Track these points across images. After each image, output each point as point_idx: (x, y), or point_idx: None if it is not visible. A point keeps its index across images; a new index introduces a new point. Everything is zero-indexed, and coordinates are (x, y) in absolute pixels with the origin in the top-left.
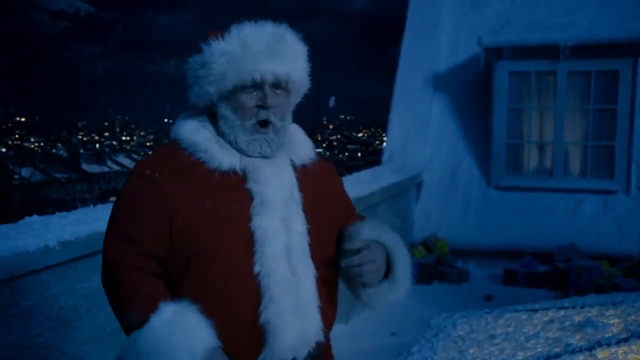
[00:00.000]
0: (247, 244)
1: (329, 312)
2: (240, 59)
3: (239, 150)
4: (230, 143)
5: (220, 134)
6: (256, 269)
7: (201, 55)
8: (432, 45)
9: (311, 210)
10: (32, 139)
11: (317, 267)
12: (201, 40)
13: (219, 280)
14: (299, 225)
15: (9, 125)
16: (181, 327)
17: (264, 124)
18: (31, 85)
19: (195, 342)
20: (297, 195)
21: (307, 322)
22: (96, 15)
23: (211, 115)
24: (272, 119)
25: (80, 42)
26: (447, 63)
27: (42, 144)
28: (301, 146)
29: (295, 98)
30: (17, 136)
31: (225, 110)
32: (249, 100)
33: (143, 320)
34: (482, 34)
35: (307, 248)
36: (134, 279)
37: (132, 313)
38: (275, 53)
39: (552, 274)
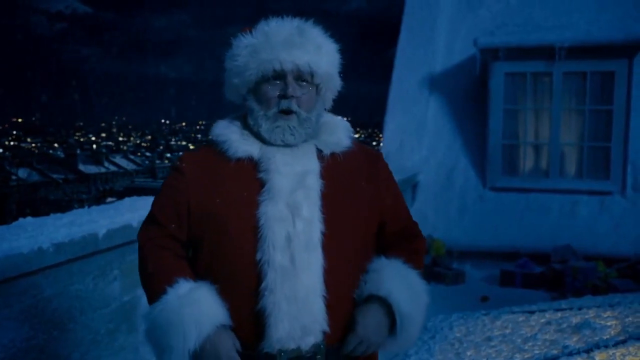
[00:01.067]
0: (253, 230)
1: (338, 304)
2: (261, 49)
3: (263, 140)
4: (256, 134)
5: (248, 127)
6: (258, 256)
7: (231, 50)
8: (428, 46)
9: (332, 199)
10: (29, 140)
11: (328, 257)
12: (233, 36)
13: (226, 265)
14: (308, 212)
15: (6, 126)
16: (193, 302)
17: (287, 112)
18: (28, 86)
19: (204, 317)
20: (312, 182)
21: (305, 312)
22: (94, 16)
23: (246, 112)
24: (295, 108)
25: (78, 44)
26: (443, 64)
27: (39, 145)
28: (333, 134)
29: (327, 93)
30: (14, 137)
31: (251, 103)
32: (272, 90)
33: (161, 293)
34: (478, 35)
35: (315, 236)
36: (159, 256)
37: (154, 287)
38: (295, 44)
39: (548, 275)
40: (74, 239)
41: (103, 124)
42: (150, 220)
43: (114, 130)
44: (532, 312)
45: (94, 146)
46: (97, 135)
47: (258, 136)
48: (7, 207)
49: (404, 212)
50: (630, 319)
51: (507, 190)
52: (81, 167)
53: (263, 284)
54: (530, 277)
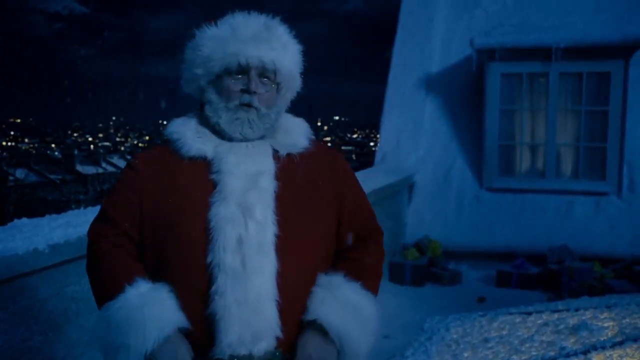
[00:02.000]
0: (204, 232)
1: (291, 308)
2: (227, 42)
3: (221, 133)
4: (214, 126)
5: (205, 121)
6: (209, 258)
7: (194, 40)
8: (424, 46)
9: (286, 201)
10: (26, 140)
11: (281, 260)
12: (197, 28)
13: (176, 267)
14: (261, 214)
15: (3, 126)
16: (155, 301)
17: (247, 105)
18: (25, 86)
19: (166, 317)
20: (266, 183)
21: (256, 316)
22: (91, 16)
23: (201, 107)
24: (256, 104)
25: (75, 44)
26: (440, 64)
27: (36, 146)
28: (290, 134)
29: (287, 93)
30: (11, 137)
31: (210, 95)
32: (234, 84)
33: (118, 292)
34: (474, 35)
35: (268, 239)
36: (112, 254)
37: (108, 286)
38: (262, 40)
39: (545, 276)
40: (70, 240)
41: (100, 125)
42: (103, 217)
43: (112, 130)
44: (529, 314)
45: (92, 147)
46: (95, 136)
47: (214, 131)
48: (5, 207)
49: (365, 213)
50: (627, 320)
51: (503, 190)
52: (79, 167)
53: (213, 287)
54: (526, 277)
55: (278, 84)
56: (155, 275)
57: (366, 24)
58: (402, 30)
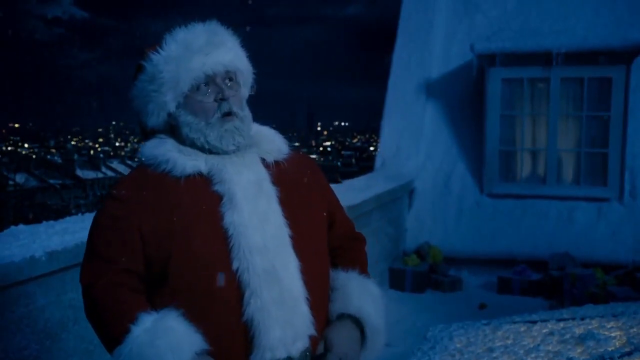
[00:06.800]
0: (222, 242)
1: (318, 304)
2: (186, 59)
3: (212, 149)
4: (202, 146)
5: (185, 142)
6: (234, 265)
7: (145, 71)
8: (424, 51)
9: (289, 204)
10: (26, 145)
11: (301, 258)
12: (140, 58)
13: (199, 282)
14: (274, 218)
15: (3, 131)
16: (164, 331)
17: (228, 114)
18: (25, 91)
19: (181, 345)
20: (269, 189)
21: (294, 314)
22: (91, 21)
23: (172, 130)
24: (234, 109)
25: (75, 49)
26: (440, 70)
27: (36, 150)
28: (271, 143)
29: (245, 90)
30: (11, 142)
31: (185, 117)
32: (207, 97)
33: (124, 333)
34: (475, 40)
35: (286, 240)
36: (111, 295)
37: (112, 329)
38: (216, 44)
39: (546, 282)
40: (67, 247)
41: (100, 129)
42: (94, 258)
43: (112, 135)
44: (534, 322)
45: (91, 151)
46: (95, 141)
47: (200, 148)
48: (5, 212)
49: (345, 213)
50: (634, 329)
51: (504, 196)
52: (78, 172)
53: (247, 292)
54: (527, 284)
55: (239, 83)
56: (178, 296)
57: (366, 28)
58: (402, 35)
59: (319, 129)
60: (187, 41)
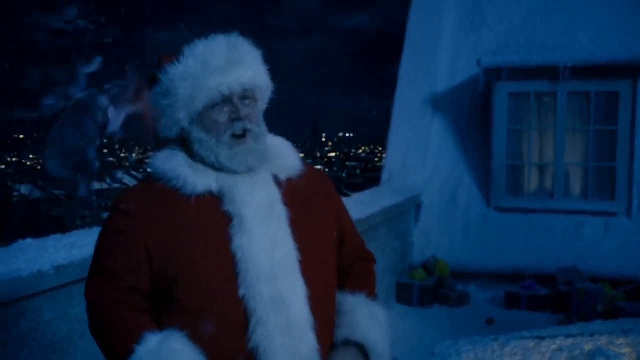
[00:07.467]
0: (229, 266)
1: (324, 331)
2: (203, 77)
3: (223, 169)
4: (212, 164)
5: (196, 158)
6: (241, 292)
7: (160, 84)
8: (430, 65)
9: (300, 225)
10: (31, 156)
11: (309, 285)
12: (156, 68)
13: (204, 306)
14: (284, 242)
15: (8, 142)
16: (169, 353)
17: (242, 135)
18: (30, 101)
19: None
20: (280, 210)
21: (300, 343)
22: (95, 32)
23: (184, 143)
24: (249, 126)
25: (79, 58)
26: (446, 83)
27: (41, 161)
28: (285, 159)
29: (263, 104)
30: (16, 153)
31: (198, 133)
32: (221, 116)
33: (128, 354)
34: (481, 54)
35: (295, 265)
36: (116, 314)
37: (116, 349)
38: (235, 62)
39: (554, 297)
40: (75, 261)
41: (105, 140)
42: (100, 273)
43: (116, 146)
44: (543, 338)
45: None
46: (99, 151)
47: (211, 166)
48: (9, 223)
49: (356, 230)
50: None
51: (511, 210)
52: (83, 183)
53: (254, 319)
54: (535, 299)
55: (256, 99)
56: (183, 317)
57: (371, 39)
58: (409, 49)
59: (323, 139)
60: (205, 57)
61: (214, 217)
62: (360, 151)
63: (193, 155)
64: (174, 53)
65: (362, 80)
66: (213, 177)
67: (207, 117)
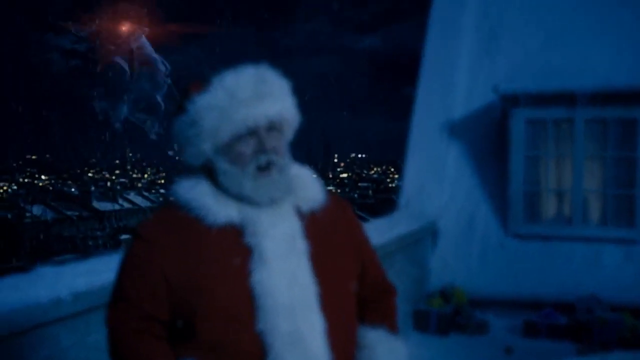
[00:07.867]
0: (248, 300)
1: None
2: (230, 109)
3: (247, 199)
4: (236, 195)
5: (221, 188)
6: (259, 326)
7: (187, 114)
8: (447, 91)
9: (320, 259)
10: (43, 177)
11: (328, 319)
12: (182, 97)
13: (222, 340)
14: (303, 277)
15: (21, 163)
16: None
17: (266, 167)
18: (42, 123)
19: None
20: (301, 245)
21: None
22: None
23: (208, 171)
24: (274, 159)
25: (92, 80)
26: (463, 109)
27: (53, 182)
28: (308, 190)
29: (289, 135)
30: (28, 174)
31: (223, 164)
32: (246, 148)
33: None
34: (497, 81)
35: (313, 300)
36: (134, 342)
37: None
38: (262, 95)
39: (574, 326)
40: (93, 288)
41: (117, 161)
42: (120, 299)
43: (128, 167)
44: None
45: (108, 183)
46: (111, 172)
47: (234, 196)
48: (22, 244)
49: (377, 260)
50: None
51: (529, 237)
52: (95, 204)
53: (271, 354)
54: (555, 328)
55: (282, 131)
56: (200, 350)
57: (383, 60)
58: (426, 75)
59: (335, 160)
60: (233, 89)
61: (234, 249)
62: (372, 172)
63: (217, 185)
64: (202, 82)
65: (374, 101)
66: (235, 208)
67: (233, 149)
